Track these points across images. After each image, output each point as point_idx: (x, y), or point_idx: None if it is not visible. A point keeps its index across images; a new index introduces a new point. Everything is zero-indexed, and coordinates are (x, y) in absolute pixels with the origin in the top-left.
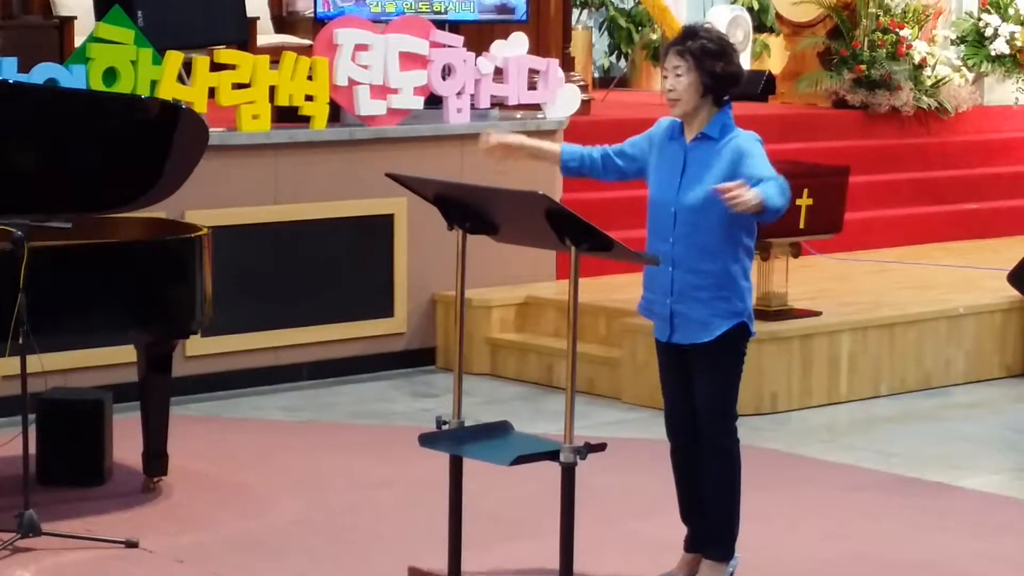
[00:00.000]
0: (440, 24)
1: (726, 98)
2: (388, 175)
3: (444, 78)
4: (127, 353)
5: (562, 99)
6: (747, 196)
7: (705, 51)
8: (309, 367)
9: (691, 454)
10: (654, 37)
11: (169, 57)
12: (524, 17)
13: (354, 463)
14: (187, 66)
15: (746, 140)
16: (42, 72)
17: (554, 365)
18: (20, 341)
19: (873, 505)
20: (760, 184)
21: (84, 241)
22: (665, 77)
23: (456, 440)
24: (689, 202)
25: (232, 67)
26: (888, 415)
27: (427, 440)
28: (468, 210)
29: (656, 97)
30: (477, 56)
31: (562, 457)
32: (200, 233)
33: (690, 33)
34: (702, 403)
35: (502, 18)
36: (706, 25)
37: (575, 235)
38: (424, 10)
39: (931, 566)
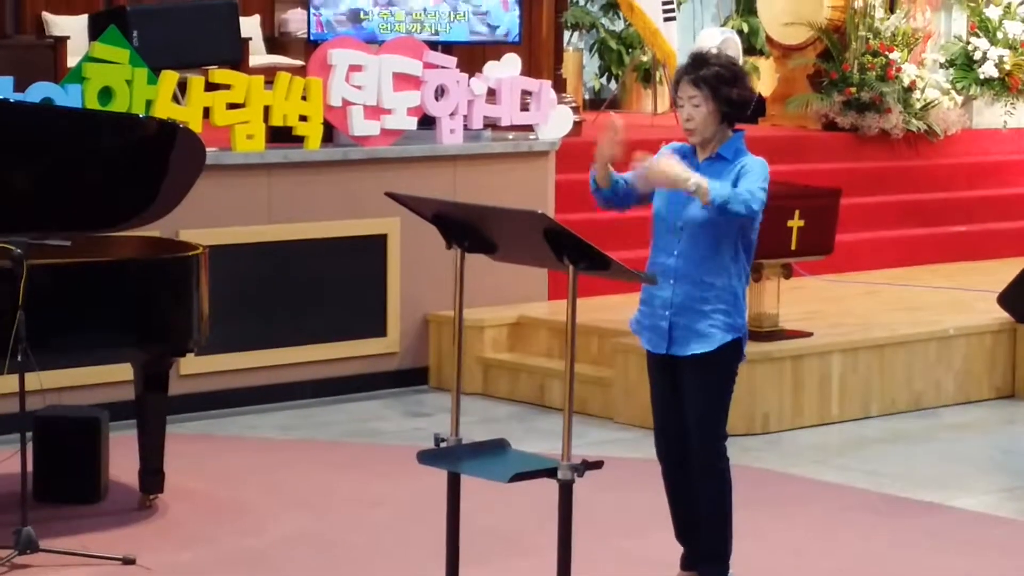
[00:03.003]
0: (433, 45)
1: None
2: (387, 194)
3: (437, 99)
4: (124, 371)
5: (554, 120)
6: (662, 166)
7: (720, 79)
8: (302, 386)
9: (683, 473)
10: (644, 59)
11: (164, 77)
12: (517, 39)
13: (350, 481)
14: (182, 86)
15: (752, 162)
16: (38, 91)
17: (546, 385)
18: (19, 359)
19: (864, 525)
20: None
21: (82, 259)
22: (681, 106)
23: (454, 457)
24: (696, 216)
25: (227, 87)
26: (879, 436)
27: (426, 457)
28: (467, 229)
29: (646, 119)
30: (470, 77)
31: (560, 475)
32: (197, 252)
33: (701, 61)
34: (692, 422)
35: (495, 39)
36: (712, 50)
37: (573, 254)
38: (417, 31)
39: None
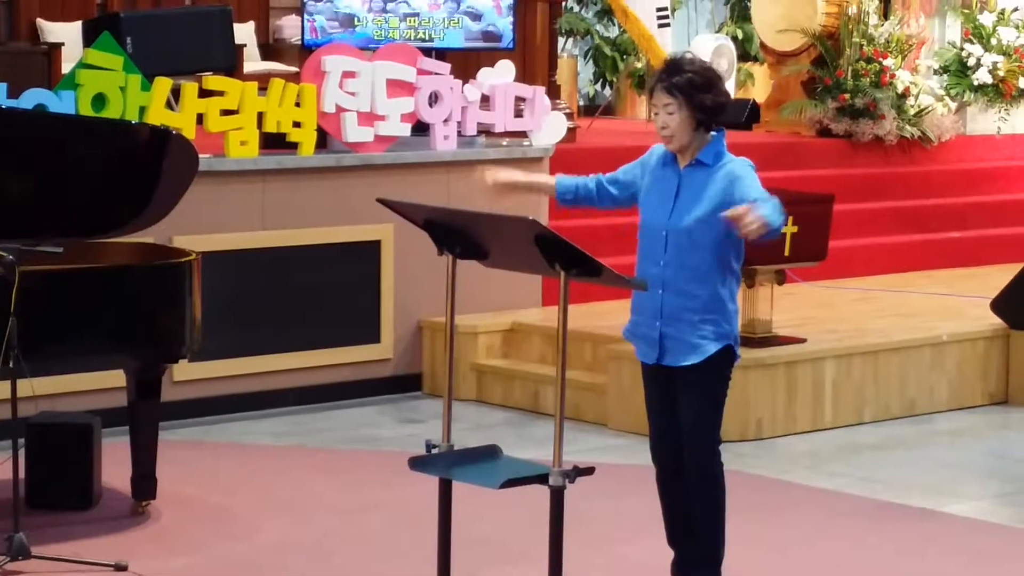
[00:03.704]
0: (427, 51)
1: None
2: (379, 200)
3: (431, 105)
4: (116, 378)
5: (548, 127)
6: (753, 219)
7: (693, 85)
8: (296, 393)
9: (676, 478)
10: (639, 66)
11: (158, 83)
12: (510, 45)
13: (342, 488)
14: (175, 92)
15: (739, 166)
16: (31, 98)
17: (540, 391)
18: (11, 365)
19: (857, 531)
20: (756, 204)
21: (75, 266)
22: (656, 114)
23: (446, 463)
24: (681, 225)
25: (220, 93)
26: (872, 442)
27: (417, 463)
28: (458, 235)
29: (641, 125)
30: (464, 83)
31: (551, 481)
32: (190, 258)
33: (675, 67)
34: (687, 427)
35: (488, 46)
36: (688, 55)
37: (564, 260)
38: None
39: None
